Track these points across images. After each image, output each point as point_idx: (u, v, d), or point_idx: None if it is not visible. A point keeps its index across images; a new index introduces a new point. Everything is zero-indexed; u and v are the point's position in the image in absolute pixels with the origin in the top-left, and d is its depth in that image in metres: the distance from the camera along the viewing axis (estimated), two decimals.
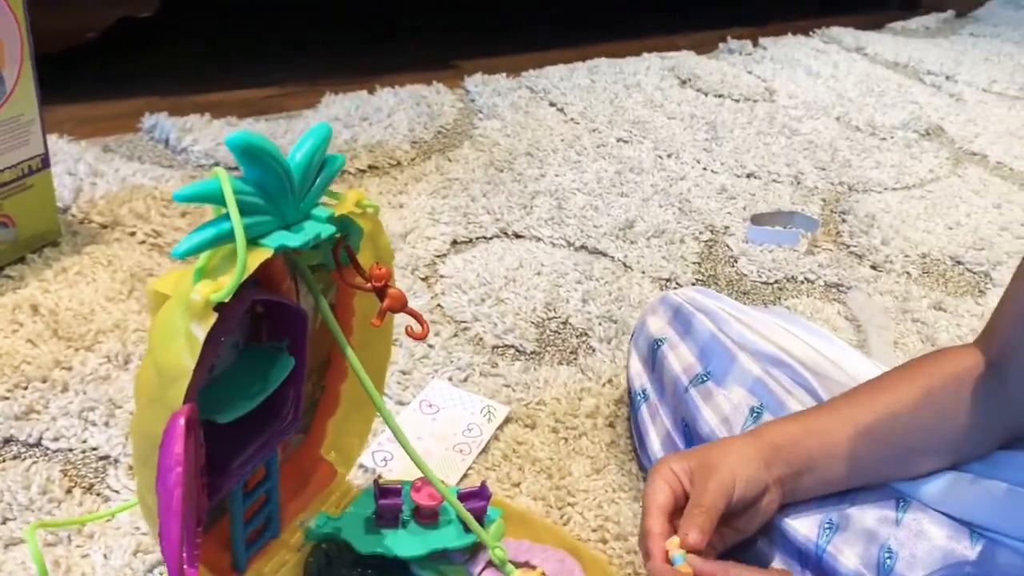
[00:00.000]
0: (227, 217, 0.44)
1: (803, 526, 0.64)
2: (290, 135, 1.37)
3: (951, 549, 0.60)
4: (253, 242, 0.45)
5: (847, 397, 0.68)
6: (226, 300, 0.43)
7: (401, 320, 0.91)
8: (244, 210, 0.44)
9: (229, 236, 0.44)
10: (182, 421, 0.40)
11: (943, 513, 0.63)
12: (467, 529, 0.61)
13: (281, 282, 0.52)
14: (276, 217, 0.47)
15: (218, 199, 0.43)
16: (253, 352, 0.53)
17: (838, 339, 0.81)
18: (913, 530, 0.62)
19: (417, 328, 0.54)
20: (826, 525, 0.63)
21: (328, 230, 0.49)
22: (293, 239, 0.47)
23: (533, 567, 0.62)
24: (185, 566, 0.44)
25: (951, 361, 0.66)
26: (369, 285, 0.53)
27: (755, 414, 0.71)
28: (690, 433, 0.75)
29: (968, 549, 0.60)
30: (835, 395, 0.69)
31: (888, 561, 0.60)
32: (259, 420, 0.55)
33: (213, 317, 0.43)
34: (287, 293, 0.53)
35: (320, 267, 0.56)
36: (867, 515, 0.63)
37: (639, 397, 0.81)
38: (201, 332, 0.42)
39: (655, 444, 0.77)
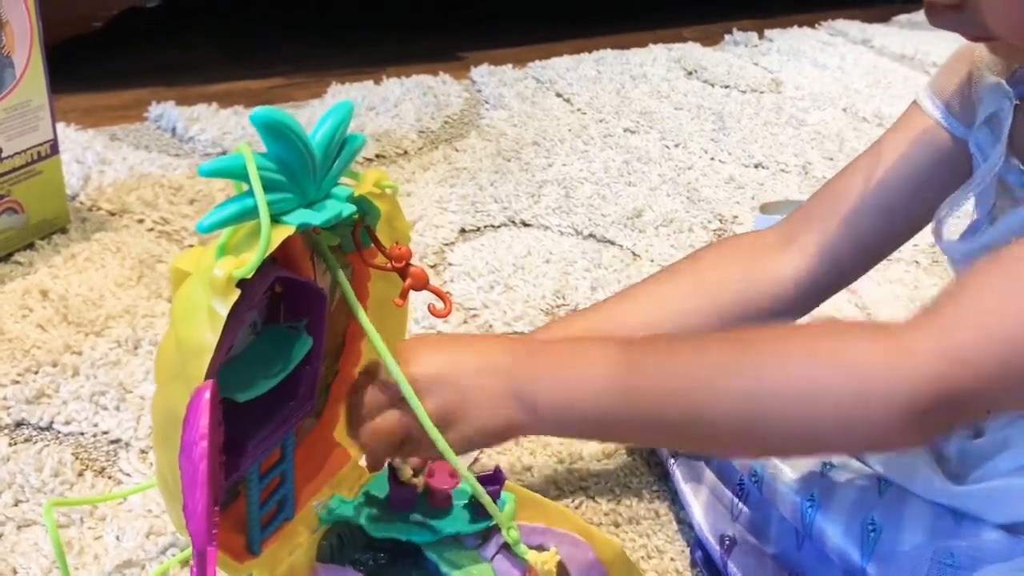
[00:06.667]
0: (250, 193, 0.43)
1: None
2: None
3: (936, 524, 0.60)
4: (275, 219, 0.45)
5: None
6: (249, 276, 0.43)
7: (417, 308, 0.90)
8: (266, 187, 0.44)
9: (252, 212, 0.44)
10: (207, 394, 0.40)
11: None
12: (479, 514, 0.61)
13: (300, 261, 0.52)
14: (297, 195, 0.46)
15: (242, 174, 0.43)
16: (271, 332, 0.53)
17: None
18: (896, 505, 0.61)
19: (440, 305, 0.54)
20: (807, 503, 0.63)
21: (349, 209, 0.49)
22: (315, 217, 0.47)
23: (547, 549, 0.61)
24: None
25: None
26: (390, 265, 0.53)
27: None
28: None
29: (953, 526, 0.60)
30: None
31: (872, 533, 0.60)
32: (275, 401, 0.55)
33: (236, 293, 0.43)
34: (306, 273, 0.53)
35: (336, 249, 0.56)
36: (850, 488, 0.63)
37: None
38: (224, 308, 0.42)
39: None
